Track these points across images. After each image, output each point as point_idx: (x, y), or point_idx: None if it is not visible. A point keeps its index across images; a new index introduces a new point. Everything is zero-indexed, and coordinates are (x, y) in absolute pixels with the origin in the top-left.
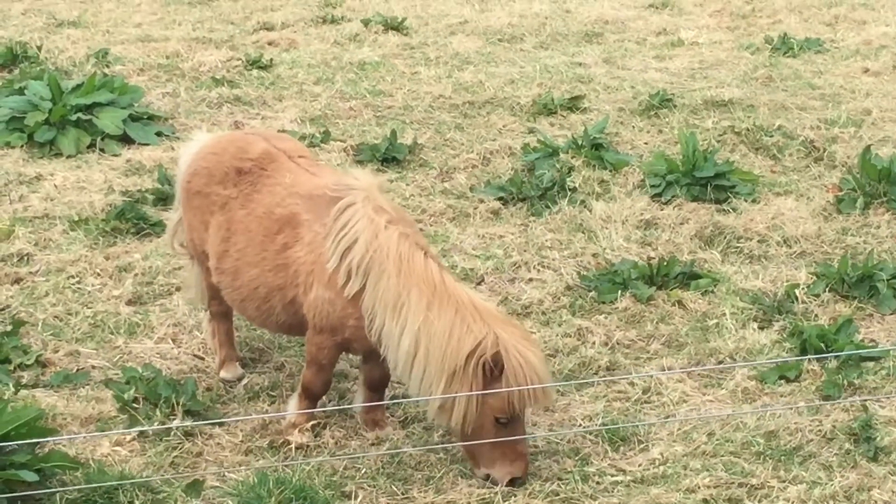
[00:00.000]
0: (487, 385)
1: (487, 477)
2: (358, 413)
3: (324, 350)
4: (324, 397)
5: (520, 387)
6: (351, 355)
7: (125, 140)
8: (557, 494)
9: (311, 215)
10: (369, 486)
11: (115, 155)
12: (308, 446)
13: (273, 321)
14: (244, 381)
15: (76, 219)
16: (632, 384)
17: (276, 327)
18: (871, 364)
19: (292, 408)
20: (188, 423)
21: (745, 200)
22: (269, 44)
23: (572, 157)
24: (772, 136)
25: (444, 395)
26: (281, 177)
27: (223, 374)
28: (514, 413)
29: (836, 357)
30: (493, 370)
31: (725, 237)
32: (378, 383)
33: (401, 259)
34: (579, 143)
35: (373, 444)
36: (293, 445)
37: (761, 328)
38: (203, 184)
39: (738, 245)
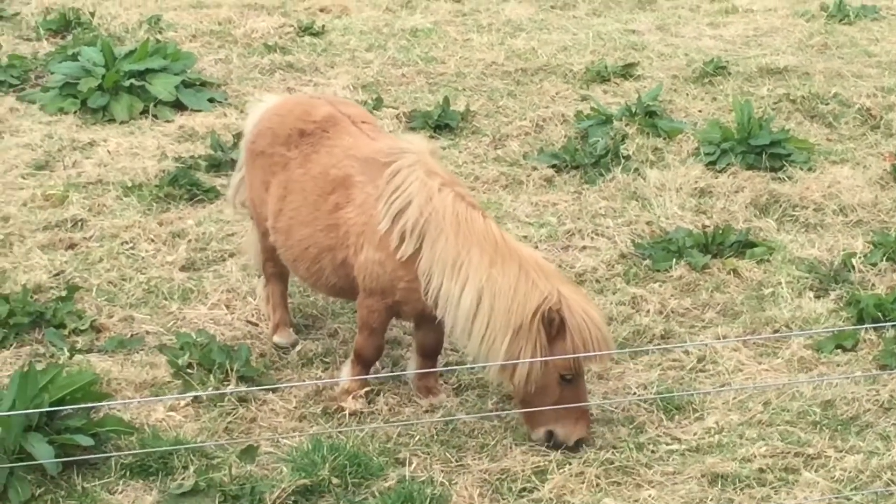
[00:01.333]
0: (551, 341)
1: (550, 436)
2: (411, 380)
3: (374, 313)
4: (377, 364)
5: (584, 343)
6: (404, 322)
7: (178, 106)
8: (612, 462)
9: (365, 177)
10: (423, 453)
11: (168, 121)
12: (362, 413)
13: (324, 283)
14: (298, 348)
15: (129, 185)
16: (686, 353)
17: (327, 289)
18: None
19: (346, 374)
20: (242, 388)
21: (801, 169)
22: (321, 10)
23: (626, 125)
24: (827, 104)
25: (508, 352)
26: (341, 140)
27: (276, 338)
28: (579, 369)
29: (893, 326)
30: (554, 323)
31: (781, 205)
32: (431, 350)
33: (458, 219)
34: (633, 110)
35: (427, 412)
36: (347, 412)
37: (817, 297)
38: (267, 144)
39: (794, 213)
